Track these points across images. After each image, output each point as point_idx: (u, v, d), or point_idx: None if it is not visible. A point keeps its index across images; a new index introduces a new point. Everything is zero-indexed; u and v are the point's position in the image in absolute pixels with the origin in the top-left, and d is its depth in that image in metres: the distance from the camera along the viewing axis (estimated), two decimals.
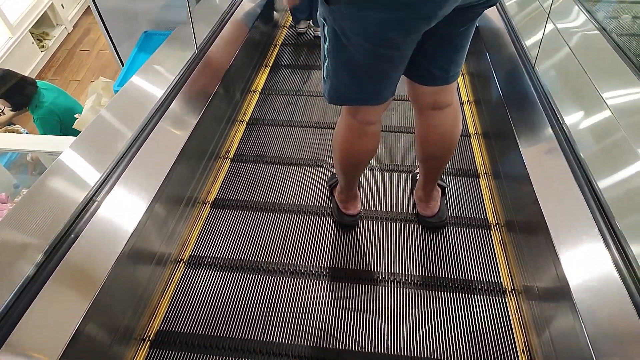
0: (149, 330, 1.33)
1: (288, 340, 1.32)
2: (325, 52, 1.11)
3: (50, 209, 1.15)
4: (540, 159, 1.45)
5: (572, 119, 1.44)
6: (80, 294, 1.05)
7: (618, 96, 1.50)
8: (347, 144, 1.33)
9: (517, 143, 1.52)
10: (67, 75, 4.97)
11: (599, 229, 1.14)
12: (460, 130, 1.37)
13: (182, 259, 1.53)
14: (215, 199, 1.75)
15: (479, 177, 1.83)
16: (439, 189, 1.62)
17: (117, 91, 2.30)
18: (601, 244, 1.11)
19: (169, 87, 1.64)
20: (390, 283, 1.46)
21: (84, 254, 1.10)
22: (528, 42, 1.87)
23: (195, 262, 1.53)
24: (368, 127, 1.27)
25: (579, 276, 1.09)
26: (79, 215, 1.15)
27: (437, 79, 1.20)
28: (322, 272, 1.49)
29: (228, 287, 1.46)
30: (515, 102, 1.71)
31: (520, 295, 1.38)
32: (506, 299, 1.40)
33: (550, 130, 1.46)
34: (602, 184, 1.21)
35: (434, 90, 1.22)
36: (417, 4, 0.91)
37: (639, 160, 1.22)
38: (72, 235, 1.11)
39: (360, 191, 1.66)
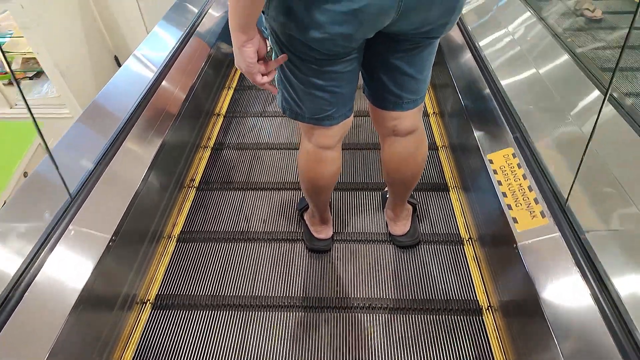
0: None
1: None
2: None
3: None
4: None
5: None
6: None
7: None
8: (306, 169, 1.31)
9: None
10: None
11: (564, 240, 1.14)
12: (426, 157, 1.35)
13: (148, 300, 1.46)
14: (181, 231, 1.69)
15: (448, 190, 1.82)
16: (410, 207, 1.60)
17: None
18: (569, 256, 1.10)
19: (127, 115, 1.58)
20: (365, 309, 1.42)
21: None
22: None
23: (162, 303, 1.46)
24: (325, 153, 1.25)
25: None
26: (33, 259, 1.08)
27: (390, 104, 1.17)
28: (295, 303, 1.44)
29: (198, 326, 1.39)
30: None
31: (497, 312, 1.36)
32: (483, 317, 1.38)
33: (512, 139, 1.47)
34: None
35: (392, 116, 1.20)
36: (325, 26, 0.88)
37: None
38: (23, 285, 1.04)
39: (331, 214, 1.62)
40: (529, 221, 1.23)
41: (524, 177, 1.34)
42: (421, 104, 1.21)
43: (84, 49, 3.10)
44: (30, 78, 3.35)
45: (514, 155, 1.42)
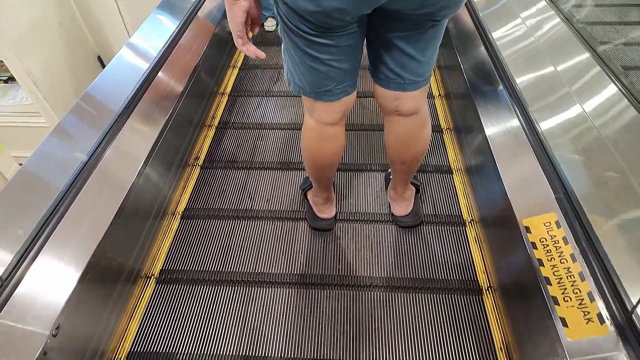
0: (120, 353, 1.29)
1: (267, 353, 1.29)
2: (280, 34, 1.10)
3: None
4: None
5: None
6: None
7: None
8: (308, 146, 1.32)
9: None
10: None
11: (565, 219, 1.14)
12: (429, 140, 1.34)
13: (152, 275, 1.48)
14: (185, 209, 1.70)
15: (452, 173, 1.82)
16: (413, 188, 1.60)
17: None
18: (570, 237, 1.11)
19: (131, 92, 1.58)
20: (366, 287, 1.44)
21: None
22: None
23: (166, 277, 1.48)
24: (327, 129, 1.25)
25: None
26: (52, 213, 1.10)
27: (391, 83, 1.16)
28: (297, 280, 1.46)
29: (201, 300, 1.42)
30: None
31: (497, 292, 1.38)
32: (483, 297, 1.40)
33: (518, 123, 1.46)
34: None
35: (394, 96, 1.19)
36: None
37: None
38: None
39: (334, 194, 1.63)
40: (582, 327, 0.93)
41: (573, 258, 1.05)
42: (424, 86, 1.20)
43: (62, 50, 2.87)
44: (5, 81, 2.98)
45: (557, 225, 1.11)
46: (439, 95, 2.24)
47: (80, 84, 3.02)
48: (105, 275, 1.24)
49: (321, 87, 1.14)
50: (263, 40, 2.79)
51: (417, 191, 1.64)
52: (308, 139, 1.31)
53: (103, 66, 3.02)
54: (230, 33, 1.06)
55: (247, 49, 1.05)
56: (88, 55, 3.19)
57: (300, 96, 1.23)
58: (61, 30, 2.86)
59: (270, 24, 2.86)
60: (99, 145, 1.37)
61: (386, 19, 1.01)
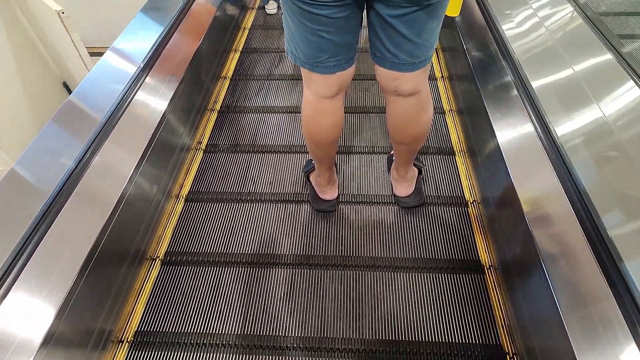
0: (127, 333, 1.31)
1: (272, 332, 1.31)
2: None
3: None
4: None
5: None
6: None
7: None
8: (307, 119, 1.34)
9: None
10: None
11: (569, 201, 1.15)
12: (430, 122, 1.34)
13: (157, 257, 1.50)
14: (188, 192, 1.72)
15: (455, 154, 1.82)
16: (415, 169, 1.60)
17: None
18: (572, 214, 1.12)
19: (130, 79, 1.58)
20: (369, 268, 1.45)
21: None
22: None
23: (171, 259, 1.50)
24: (324, 102, 1.26)
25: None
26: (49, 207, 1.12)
27: (387, 62, 1.16)
28: (300, 261, 1.47)
29: (206, 281, 1.44)
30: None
31: (498, 271, 1.39)
32: (484, 276, 1.41)
33: (521, 104, 1.45)
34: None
35: (393, 76, 1.19)
36: None
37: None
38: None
39: (337, 175, 1.64)
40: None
41: None
42: (423, 68, 1.19)
43: (18, 79, 2.50)
44: None
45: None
46: (442, 77, 2.22)
47: (46, 114, 2.57)
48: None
49: (315, 59, 1.15)
50: (265, 24, 2.77)
51: (420, 172, 1.64)
52: (306, 113, 1.33)
53: (69, 92, 2.70)
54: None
55: None
56: (53, 83, 2.81)
57: (301, 78, 1.23)
58: (17, 61, 2.54)
59: (271, 7, 2.84)
60: (94, 139, 1.38)
61: None
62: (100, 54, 1.70)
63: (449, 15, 1.31)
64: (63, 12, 2.46)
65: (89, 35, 2.90)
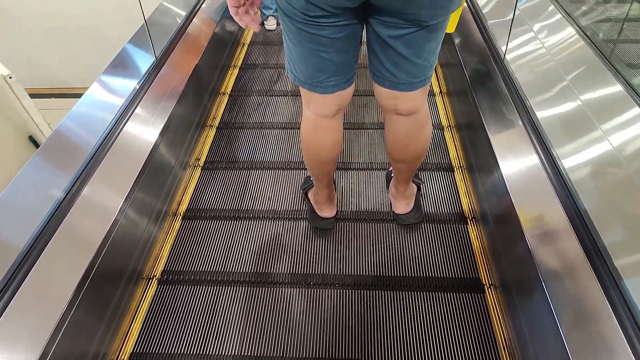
0: (122, 354, 1.29)
1: (271, 353, 1.29)
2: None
3: None
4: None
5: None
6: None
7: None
8: (305, 137, 1.34)
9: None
10: None
11: (568, 219, 1.14)
12: (429, 140, 1.34)
13: (154, 276, 1.49)
14: (186, 209, 1.71)
15: (453, 170, 1.81)
16: (414, 186, 1.60)
17: None
18: (571, 232, 1.11)
19: (130, 95, 1.59)
20: (367, 287, 1.43)
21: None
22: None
23: (168, 278, 1.49)
24: (323, 120, 1.27)
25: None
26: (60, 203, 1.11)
27: (386, 82, 1.16)
28: (298, 280, 1.46)
29: (204, 300, 1.42)
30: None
31: (498, 290, 1.37)
32: (485, 295, 1.40)
33: (519, 120, 1.46)
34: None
35: (392, 95, 1.19)
36: None
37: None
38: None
39: (335, 192, 1.63)
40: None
41: None
42: (422, 87, 1.18)
43: None
44: None
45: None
46: (440, 92, 2.23)
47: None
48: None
49: (314, 79, 1.15)
50: (264, 39, 2.79)
51: (419, 189, 1.63)
52: (305, 131, 1.33)
53: (37, 146, 2.40)
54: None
55: (240, 19, 1.06)
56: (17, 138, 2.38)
57: (300, 94, 1.24)
58: None
59: (271, 23, 2.86)
60: (98, 148, 1.38)
61: (378, 17, 1.01)
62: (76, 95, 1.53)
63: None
64: (10, 77, 2.16)
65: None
